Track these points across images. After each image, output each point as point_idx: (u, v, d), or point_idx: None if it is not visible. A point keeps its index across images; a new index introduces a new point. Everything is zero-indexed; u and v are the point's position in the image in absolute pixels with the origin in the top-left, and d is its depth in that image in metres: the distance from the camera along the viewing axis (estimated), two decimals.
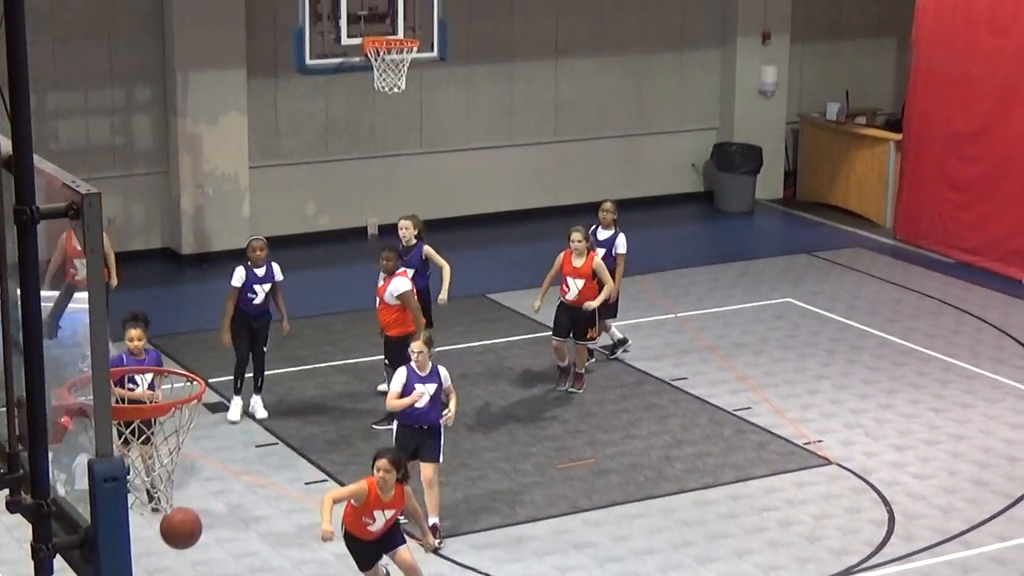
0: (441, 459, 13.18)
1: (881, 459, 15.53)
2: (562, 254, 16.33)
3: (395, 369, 14.24)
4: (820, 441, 15.93)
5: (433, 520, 13.08)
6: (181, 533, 9.10)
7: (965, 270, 21.71)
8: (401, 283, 15.55)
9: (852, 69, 26.06)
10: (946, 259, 22.15)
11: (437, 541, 13.03)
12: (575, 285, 16.10)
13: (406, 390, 13.04)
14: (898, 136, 23.62)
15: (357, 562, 11.66)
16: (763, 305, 20.36)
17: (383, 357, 15.84)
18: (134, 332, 13.19)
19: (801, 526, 14.05)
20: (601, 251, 17.12)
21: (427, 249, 16.25)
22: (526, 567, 13.19)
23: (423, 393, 13.04)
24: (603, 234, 17.37)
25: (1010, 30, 21.25)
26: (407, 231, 16.23)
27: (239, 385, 16.03)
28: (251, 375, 16.10)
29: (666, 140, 25.11)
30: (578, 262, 16.12)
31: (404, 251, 16.22)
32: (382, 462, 11.15)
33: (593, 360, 17.40)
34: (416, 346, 13.17)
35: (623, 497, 14.60)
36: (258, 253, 15.77)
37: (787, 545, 13.66)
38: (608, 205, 17.68)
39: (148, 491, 11.69)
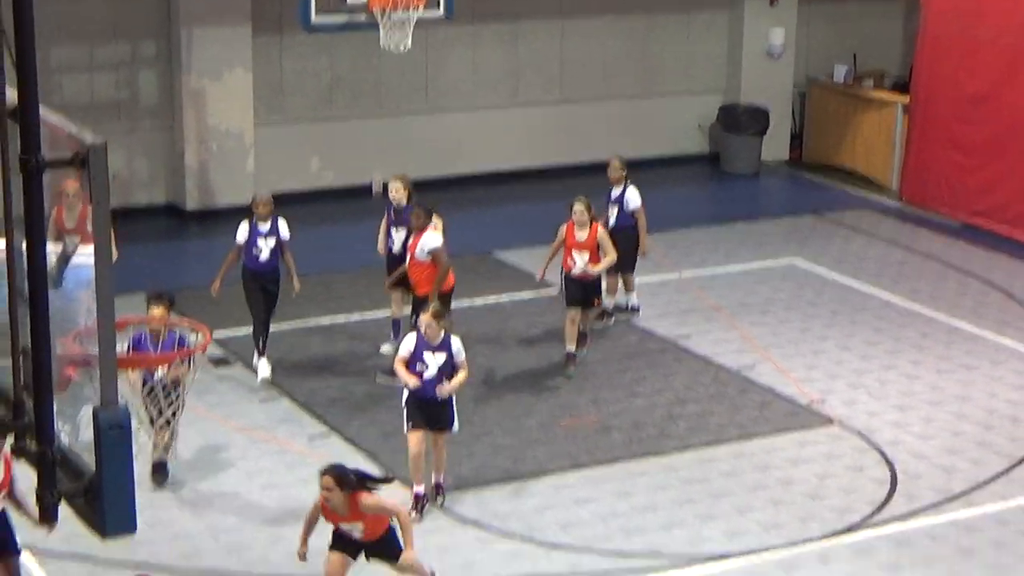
0: (455, 428, 13.08)
1: (884, 419, 15.59)
2: (564, 226, 16.21)
3: (438, 318, 14.24)
4: (823, 401, 16.01)
5: (437, 479, 13.20)
6: None
7: (971, 233, 21.73)
8: (433, 238, 15.53)
9: (860, 31, 26.03)
10: (952, 222, 22.17)
11: (440, 500, 13.17)
12: (580, 259, 15.99)
13: (414, 357, 12.82)
14: (905, 99, 23.64)
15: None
16: (768, 266, 20.40)
17: (411, 316, 15.64)
18: (157, 311, 12.54)
19: (803, 485, 14.11)
20: (615, 208, 17.22)
21: (411, 215, 16.03)
22: (528, 522, 13.25)
23: (422, 372, 12.74)
24: (614, 192, 17.45)
25: None
26: (398, 192, 16.16)
27: (262, 346, 16.09)
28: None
29: (672, 101, 25.11)
30: (581, 235, 16.01)
31: (396, 211, 16.23)
32: (323, 480, 10.44)
33: (612, 321, 17.51)
34: (424, 319, 12.89)
35: (626, 454, 14.68)
36: (263, 209, 15.76)
37: (789, 503, 13.73)
38: (615, 163, 17.68)
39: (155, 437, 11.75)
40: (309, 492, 13.63)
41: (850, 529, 13.28)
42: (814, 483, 14.14)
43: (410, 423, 12.89)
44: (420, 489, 13.03)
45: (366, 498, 10.45)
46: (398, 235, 16.13)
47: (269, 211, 15.78)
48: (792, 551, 12.87)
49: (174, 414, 11.62)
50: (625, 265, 17.40)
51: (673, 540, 13.04)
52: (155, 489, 12.94)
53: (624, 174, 17.53)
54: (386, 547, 10.80)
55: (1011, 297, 19.25)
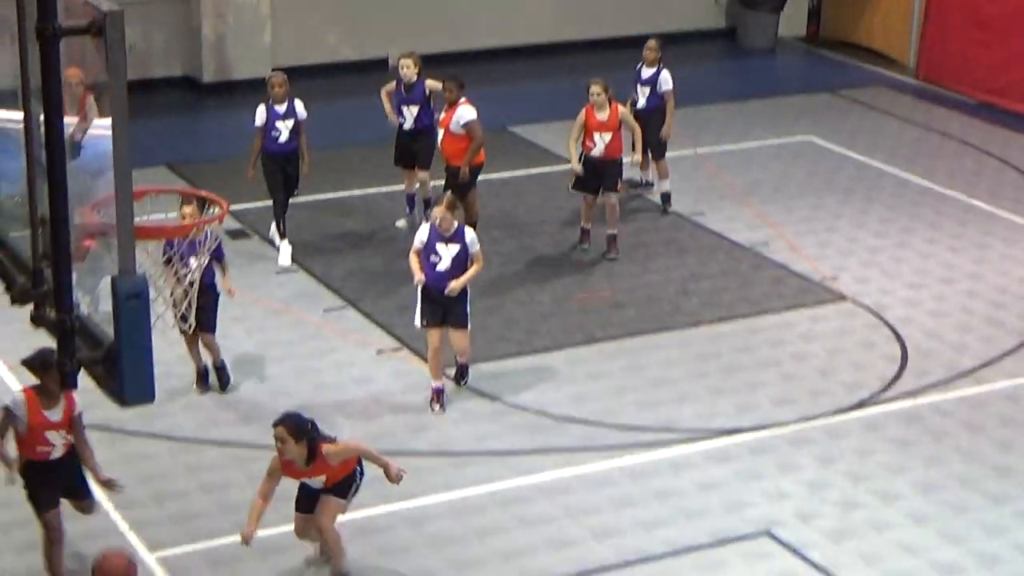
0: (469, 324, 13.01)
1: (896, 296, 15.65)
2: (584, 110, 15.97)
3: (466, 196, 14.86)
4: (836, 278, 16.07)
5: (461, 362, 13.24)
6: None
7: (988, 111, 21.65)
8: (467, 111, 15.65)
9: None
10: (969, 100, 22.06)
11: (463, 381, 13.21)
12: (601, 140, 15.81)
13: (427, 248, 12.70)
14: None
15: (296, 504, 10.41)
16: (783, 143, 20.36)
17: (451, 188, 15.44)
18: (187, 209, 12.19)
19: (814, 360, 14.22)
20: (646, 89, 17.14)
21: (430, 82, 16.14)
22: (541, 395, 13.39)
23: (435, 264, 12.65)
24: (647, 72, 17.33)
25: None
26: (408, 69, 16.11)
27: (283, 228, 16.12)
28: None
29: None
30: (602, 115, 15.81)
31: (407, 88, 16.17)
32: (275, 431, 9.82)
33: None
34: (437, 211, 12.70)
35: (639, 329, 14.80)
36: (277, 89, 15.68)
37: (800, 379, 13.85)
38: (652, 43, 17.53)
39: (175, 310, 11.80)
40: (324, 364, 13.87)
41: (860, 405, 13.40)
42: (825, 359, 14.24)
43: (424, 321, 12.85)
44: (438, 384, 13.07)
45: (328, 447, 9.92)
46: (409, 111, 16.13)
47: (285, 92, 15.71)
48: (802, 426, 13.00)
49: (191, 284, 11.67)
50: (657, 149, 17.39)
51: (684, 415, 13.19)
52: (201, 393, 13.09)
53: (659, 56, 17.38)
54: (340, 488, 10.20)
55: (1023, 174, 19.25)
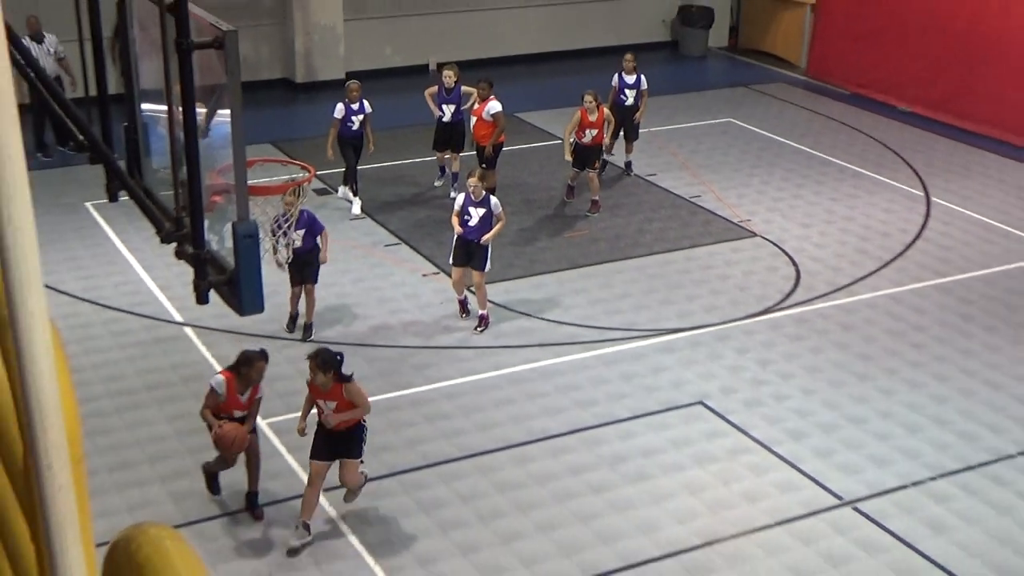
0: (487, 268, 12.79)
1: (792, 233, 15.63)
2: (578, 111, 15.66)
3: (490, 169, 14.89)
4: (749, 220, 16.02)
5: (481, 312, 12.99)
6: (228, 443, 9.33)
7: (859, 99, 21.52)
8: (496, 104, 15.66)
9: None
10: (845, 91, 21.96)
11: (480, 329, 12.94)
12: (590, 133, 15.62)
13: (462, 211, 12.63)
14: (813, 0, 23.27)
15: (312, 450, 9.48)
16: (712, 123, 20.26)
17: (479, 162, 15.55)
18: (289, 198, 11.76)
19: (734, 279, 14.22)
20: (632, 92, 16.94)
21: (465, 88, 16.07)
22: (539, 306, 13.43)
23: (467, 222, 12.57)
24: (629, 79, 17.00)
25: None
26: (449, 78, 16.01)
27: (355, 187, 16.05)
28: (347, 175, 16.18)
29: (644, 3, 24.71)
30: (592, 116, 15.57)
31: (447, 91, 16.07)
32: (309, 363, 9.26)
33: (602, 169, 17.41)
34: (472, 181, 12.62)
35: (608, 258, 14.77)
36: (354, 93, 15.65)
37: (724, 293, 13.86)
38: (629, 56, 17.25)
39: (274, 246, 11.77)
40: (385, 284, 13.88)
41: (766, 311, 13.43)
42: (741, 278, 14.26)
43: (453, 260, 12.81)
44: (461, 297, 13.08)
45: (347, 385, 9.23)
46: (448, 108, 16.02)
47: (358, 95, 15.70)
48: (725, 327, 13.04)
49: (290, 226, 11.67)
50: (633, 133, 17.21)
51: (641, 319, 13.21)
52: (289, 333, 12.76)
53: (635, 65, 17.15)
54: (351, 444, 9.42)
55: (885, 146, 19.12)
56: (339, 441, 9.38)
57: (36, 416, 1.48)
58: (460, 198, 12.96)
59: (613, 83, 17.14)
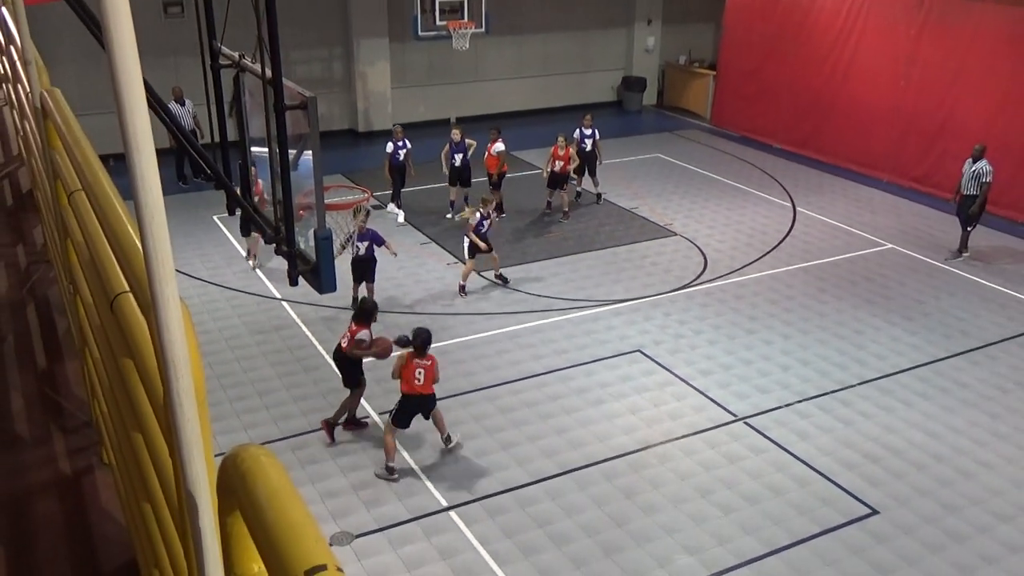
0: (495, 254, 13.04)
1: (701, 232, 15.55)
2: (553, 147, 15.67)
3: (496, 191, 15.23)
4: (672, 224, 15.90)
5: (497, 273, 13.15)
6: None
7: (746, 140, 21.42)
8: (500, 145, 15.59)
9: (692, 38, 25.30)
10: (736, 134, 21.86)
11: (506, 282, 13.08)
12: (559, 164, 15.54)
13: (478, 224, 12.65)
14: (713, 72, 23.12)
15: (395, 417, 8.87)
16: (646, 158, 20.12)
17: (489, 185, 15.63)
18: (360, 216, 11.71)
19: (659, 265, 14.15)
20: (589, 140, 16.53)
21: (468, 142, 15.67)
22: (529, 284, 13.32)
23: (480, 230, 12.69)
24: (587, 131, 16.53)
25: (770, 17, 20.62)
26: (455, 135, 15.59)
27: (399, 203, 15.91)
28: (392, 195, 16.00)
29: (599, 74, 24.51)
30: (561, 152, 15.55)
31: (455, 144, 15.59)
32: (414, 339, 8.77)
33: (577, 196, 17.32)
34: (484, 204, 12.83)
35: (575, 250, 14.64)
36: (399, 134, 15.56)
37: (654, 274, 13.79)
38: (587, 117, 16.85)
39: (342, 245, 11.71)
40: (420, 270, 13.71)
41: (684, 287, 13.37)
42: (666, 264, 14.19)
43: (469, 255, 12.83)
44: (465, 283, 12.99)
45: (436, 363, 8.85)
46: (458, 156, 15.55)
47: (402, 135, 15.59)
48: (655, 298, 12.96)
49: (356, 238, 11.62)
50: (594, 171, 16.83)
51: (598, 292, 13.13)
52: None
53: (592, 122, 16.76)
54: (429, 404, 8.97)
55: (764, 172, 19.04)
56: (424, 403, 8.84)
57: (171, 370, 1.45)
58: (475, 216, 12.91)
59: (575, 135, 16.90)
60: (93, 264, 2.41)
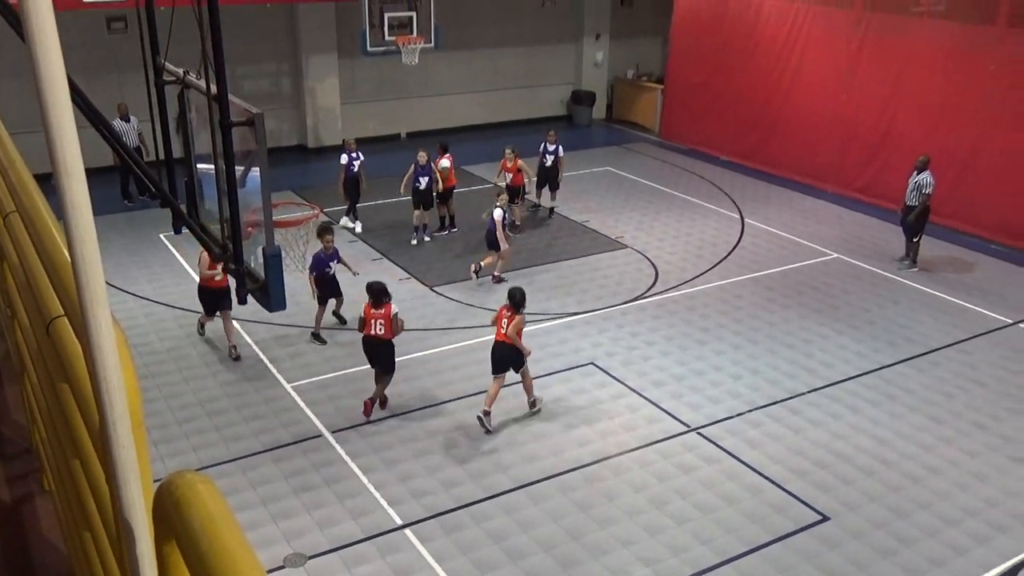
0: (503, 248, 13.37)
1: (651, 244, 15.66)
2: (502, 160, 15.82)
3: (444, 202, 15.47)
4: (622, 236, 16.00)
5: (490, 273, 13.09)
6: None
7: (695, 153, 21.67)
8: (446, 161, 15.60)
9: (640, 53, 25.59)
10: (684, 147, 22.11)
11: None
12: (508, 177, 15.63)
13: (504, 221, 13.50)
14: (661, 87, 23.38)
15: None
16: (596, 171, 20.23)
17: (437, 199, 15.53)
18: (328, 236, 11.77)
19: (612, 278, 14.21)
20: (551, 157, 16.64)
21: (431, 164, 15.38)
22: (481, 298, 13.30)
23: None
24: (551, 147, 16.69)
25: (716, 32, 20.94)
26: (423, 157, 15.18)
27: (355, 214, 15.89)
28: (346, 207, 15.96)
29: (549, 88, 24.63)
30: (510, 164, 15.63)
31: (421, 167, 15.16)
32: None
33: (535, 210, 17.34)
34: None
35: (529, 264, 14.62)
36: (352, 145, 15.57)
37: (607, 286, 13.84)
38: (552, 133, 16.95)
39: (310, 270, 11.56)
40: (358, 280, 13.59)
41: (636, 298, 13.45)
42: (618, 276, 14.26)
43: (493, 247, 13.71)
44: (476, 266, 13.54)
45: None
46: (423, 179, 15.19)
47: (355, 146, 15.58)
48: (608, 310, 13.02)
49: (304, 253, 11.51)
50: (555, 185, 16.89)
51: (552, 305, 13.14)
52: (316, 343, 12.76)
53: (556, 137, 16.89)
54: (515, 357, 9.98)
55: (713, 184, 19.27)
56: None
57: (105, 396, 1.42)
58: (498, 211, 13.52)
59: (540, 149, 16.92)
60: (29, 287, 2.36)
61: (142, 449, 1.51)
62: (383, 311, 9.92)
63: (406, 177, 15.46)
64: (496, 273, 13.75)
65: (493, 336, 10.12)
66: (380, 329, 9.93)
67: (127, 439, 1.44)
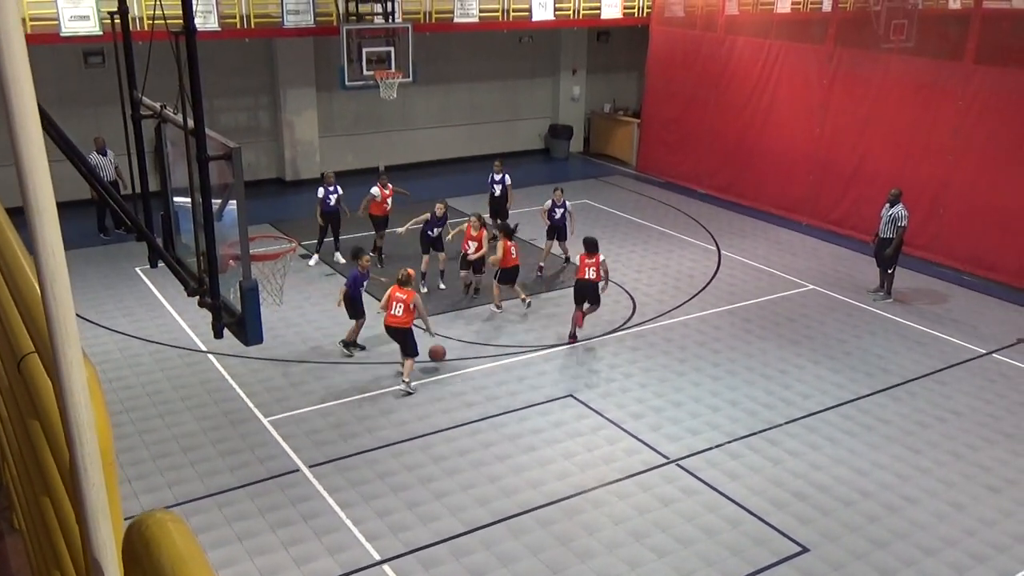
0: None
1: (629, 277, 15.70)
2: (467, 225, 14.39)
3: (374, 225, 15.53)
4: None
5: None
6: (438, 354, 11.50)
7: (671, 186, 21.84)
8: (375, 191, 15.64)
9: (617, 87, 25.88)
10: (660, 180, 22.30)
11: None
12: (472, 246, 14.18)
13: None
14: (637, 120, 23.63)
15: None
16: (573, 203, 20.05)
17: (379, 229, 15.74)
18: (365, 258, 12.29)
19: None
20: (499, 186, 16.65)
21: (450, 222, 15.12)
22: (460, 330, 13.26)
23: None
24: (497, 177, 16.79)
25: (691, 67, 21.23)
26: (440, 209, 14.73)
27: (319, 249, 15.85)
28: (331, 240, 15.87)
29: (527, 122, 24.82)
30: (475, 233, 14.20)
31: (438, 219, 14.77)
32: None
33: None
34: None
35: (505, 296, 14.46)
36: (330, 179, 15.60)
37: (586, 318, 13.83)
38: (497, 163, 17.09)
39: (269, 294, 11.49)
40: (343, 316, 13.54)
41: (614, 330, 13.48)
42: (598, 308, 14.26)
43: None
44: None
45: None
46: (437, 230, 14.76)
47: (333, 180, 15.60)
48: (588, 342, 13.03)
49: (281, 287, 11.44)
50: (506, 214, 16.64)
51: (529, 338, 13.13)
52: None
53: (502, 167, 16.95)
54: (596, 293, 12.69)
55: (690, 216, 19.41)
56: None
57: (76, 435, 1.40)
58: (547, 203, 14.73)
59: (488, 180, 16.93)
60: (0, 324, 2.33)
61: (112, 488, 1.49)
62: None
63: (416, 220, 14.92)
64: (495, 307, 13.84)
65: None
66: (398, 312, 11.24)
67: (97, 478, 1.42)
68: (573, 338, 12.91)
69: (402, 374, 11.45)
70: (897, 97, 16.98)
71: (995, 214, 15.66)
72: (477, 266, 14.56)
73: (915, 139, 16.70)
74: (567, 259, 16.84)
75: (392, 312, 11.25)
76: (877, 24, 18.49)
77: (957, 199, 16.20)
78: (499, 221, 16.08)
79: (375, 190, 15.71)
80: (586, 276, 12.71)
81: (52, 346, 1.37)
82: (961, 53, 16.11)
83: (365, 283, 12.52)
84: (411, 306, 11.23)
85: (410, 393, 11.35)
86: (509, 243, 12.57)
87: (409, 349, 11.37)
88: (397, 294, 11.24)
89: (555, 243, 16.18)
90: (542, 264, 15.93)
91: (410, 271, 11.51)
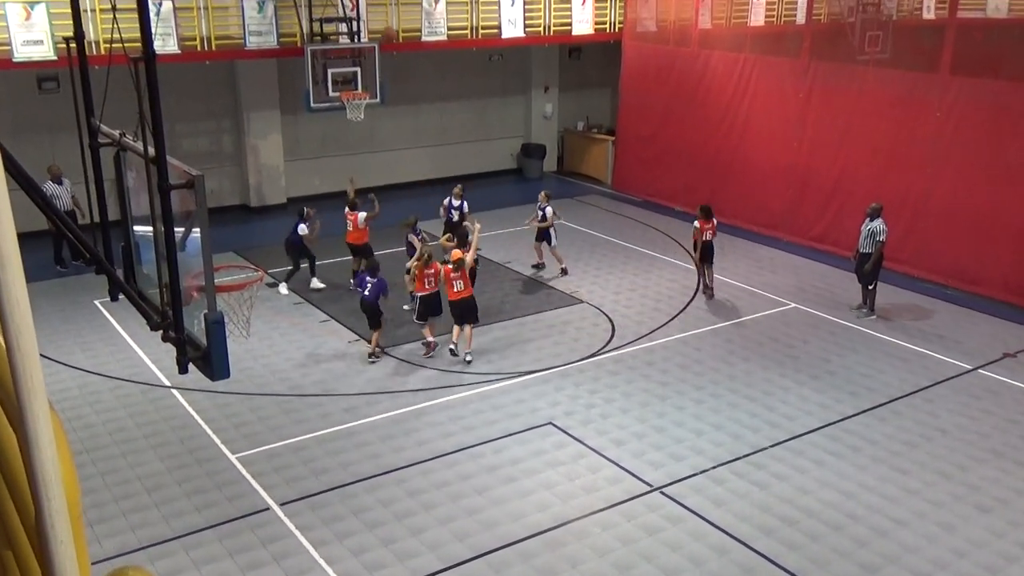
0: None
1: (608, 298, 15.77)
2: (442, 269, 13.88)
3: (356, 256, 15.19)
4: (577, 291, 16.10)
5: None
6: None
7: (647, 204, 21.98)
8: (362, 215, 15.51)
9: (590, 104, 26.07)
10: (636, 198, 22.43)
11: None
12: (458, 284, 13.44)
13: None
14: (612, 138, 23.80)
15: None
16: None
17: (356, 254, 15.60)
18: (309, 210, 14.05)
19: (569, 333, 14.25)
20: (456, 213, 16.40)
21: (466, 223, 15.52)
22: (434, 358, 13.25)
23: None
24: (456, 202, 16.54)
25: (665, 83, 21.46)
26: (456, 195, 16.13)
27: (290, 279, 15.75)
28: (307, 266, 15.83)
29: (498, 142, 24.91)
30: (450, 246, 14.38)
31: (452, 208, 16.00)
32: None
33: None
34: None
35: (485, 320, 14.50)
36: (311, 213, 15.52)
37: (564, 343, 13.88)
38: (457, 188, 16.87)
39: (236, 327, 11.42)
40: (325, 349, 13.48)
41: (592, 355, 13.49)
42: (575, 332, 14.30)
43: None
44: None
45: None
46: (457, 214, 15.84)
47: (313, 215, 15.51)
48: (565, 367, 13.04)
49: (247, 318, 11.36)
50: (464, 242, 16.46)
51: (506, 364, 13.14)
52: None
53: (462, 193, 16.66)
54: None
55: (667, 235, 19.52)
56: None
57: (42, 490, 1.40)
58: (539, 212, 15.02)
59: (445, 204, 16.65)
60: None
61: (80, 543, 1.48)
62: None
63: (475, 246, 14.50)
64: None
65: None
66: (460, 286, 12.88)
67: (65, 533, 1.41)
68: (709, 291, 15.72)
69: (455, 345, 13.07)
70: (874, 109, 17.26)
71: (977, 226, 15.91)
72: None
73: (894, 151, 16.96)
74: (564, 270, 16.98)
75: (455, 289, 12.87)
76: (852, 36, 18.79)
77: (937, 211, 16.45)
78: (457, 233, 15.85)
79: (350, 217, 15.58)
80: (705, 238, 15.35)
81: (18, 399, 1.36)
82: (937, 64, 16.42)
83: (383, 296, 13.12)
84: (465, 272, 12.93)
85: (469, 362, 12.99)
86: (449, 267, 12.87)
87: (474, 317, 13.08)
88: (451, 275, 12.82)
89: (544, 246, 16.85)
90: (537, 263, 16.63)
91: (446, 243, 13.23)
